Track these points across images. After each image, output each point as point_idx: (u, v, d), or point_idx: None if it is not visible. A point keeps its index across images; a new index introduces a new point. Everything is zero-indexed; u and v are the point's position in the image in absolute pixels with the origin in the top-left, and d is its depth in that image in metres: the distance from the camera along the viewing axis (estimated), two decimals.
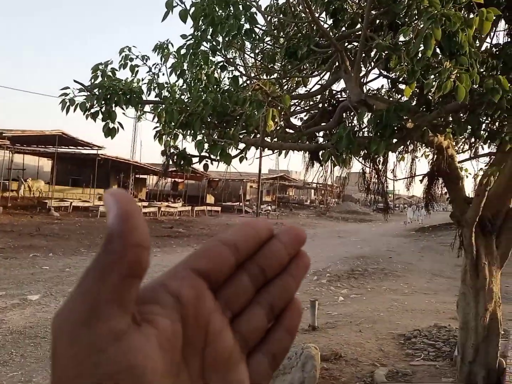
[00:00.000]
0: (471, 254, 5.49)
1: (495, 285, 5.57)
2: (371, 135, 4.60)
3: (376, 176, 6.08)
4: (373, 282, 13.63)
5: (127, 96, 4.67)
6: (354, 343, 7.33)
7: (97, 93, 4.67)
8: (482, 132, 5.24)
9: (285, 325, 0.38)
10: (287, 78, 5.52)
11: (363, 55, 4.84)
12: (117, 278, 0.29)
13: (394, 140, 4.57)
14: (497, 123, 5.38)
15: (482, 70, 4.57)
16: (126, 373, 0.28)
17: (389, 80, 5.94)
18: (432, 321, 8.54)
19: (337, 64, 5.24)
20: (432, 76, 4.09)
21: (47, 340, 7.38)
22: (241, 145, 4.91)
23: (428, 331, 7.86)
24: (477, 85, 4.36)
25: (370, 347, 7.18)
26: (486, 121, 5.14)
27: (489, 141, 5.64)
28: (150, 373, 0.29)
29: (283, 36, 5.40)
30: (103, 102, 4.65)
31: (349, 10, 5.09)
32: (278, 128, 4.95)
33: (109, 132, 4.70)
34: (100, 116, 4.71)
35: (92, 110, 4.71)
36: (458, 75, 4.01)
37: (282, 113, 4.58)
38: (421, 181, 6.40)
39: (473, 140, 6.49)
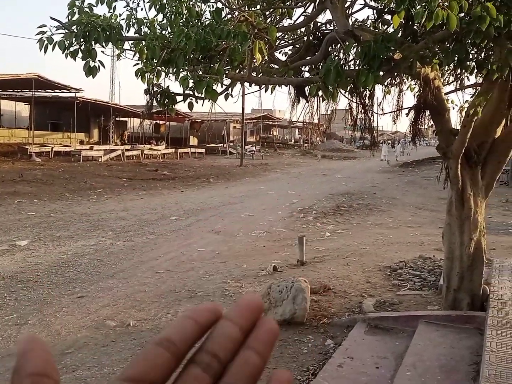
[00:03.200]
0: (457, 185, 5.55)
1: (480, 215, 5.68)
2: (358, 67, 4.52)
3: (363, 110, 6.02)
4: (358, 218, 13.85)
5: (107, 33, 4.49)
6: (342, 276, 7.51)
7: (75, 30, 4.48)
8: (468, 62, 5.18)
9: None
10: (271, 10, 5.33)
11: None
12: None
13: (382, 72, 4.50)
14: (483, 53, 5.32)
15: None
16: None
17: (374, 11, 5.79)
18: (417, 253, 8.76)
19: None
20: (421, 5, 3.99)
21: (39, 283, 7.45)
22: (227, 81, 4.80)
23: (414, 262, 8.07)
24: (464, 13, 4.27)
25: (357, 279, 7.37)
26: (473, 51, 5.07)
27: (475, 71, 5.59)
28: None
29: None
30: (82, 39, 4.47)
31: None
32: (263, 62, 4.83)
33: (90, 71, 4.55)
34: (80, 54, 4.54)
35: (71, 49, 4.53)
36: (447, 3, 3.92)
37: (267, 46, 4.45)
38: (407, 114, 6.36)
39: (458, 71, 6.42)
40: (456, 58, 4.71)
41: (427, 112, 5.99)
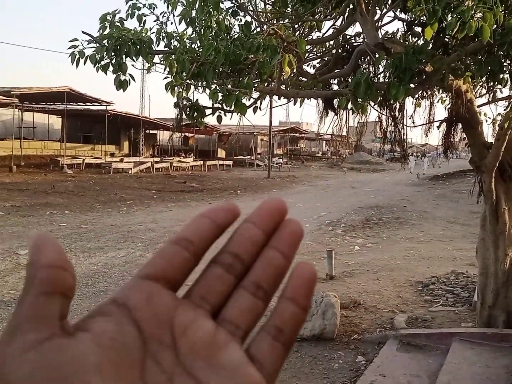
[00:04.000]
0: (491, 200, 5.42)
1: None
2: (389, 80, 4.46)
3: (393, 123, 5.95)
4: (388, 231, 13.64)
5: (137, 47, 4.55)
6: (372, 291, 7.38)
7: (106, 44, 4.55)
8: (502, 74, 5.08)
9: (287, 295, 0.36)
10: (300, 23, 5.33)
11: None
12: (31, 297, 0.31)
13: (413, 85, 4.44)
14: None
15: (502, 8, 4.37)
16: (52, 371, 0.29)
17: (404, 23, 5.74)
18: (449, 268, 8.56)
19: (351, 6, 5.04)
20: (454, 16, 3.92)
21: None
22: (255, 95, 4.80)
23: (446, 278, 7.89)
24: (499, 25, 4.19)
25: (388, 295, 7.23)
26: (506, 63, 4.97)
27: (509, 83, 5.47)
28: (83, 366, 0.30)
29: None
30: (113, 53, 4.54)
31: None
32: (292, 75, 4.81)
33: (121, 84, 4.60)
34: (111, 68, 4.60)
35: (102, 62, 4.60)
36: (482, 14, 3.84)
37: (296, 59, 4.43)
38: (438, 127, 6.26)
39: (491, 83, 6.29)
40: (489, 70, 4.62)
41: (459, 125, 5.88)
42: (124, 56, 4.66)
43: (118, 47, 4.61)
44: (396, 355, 5.25)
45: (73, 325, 0.33)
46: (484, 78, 5.45)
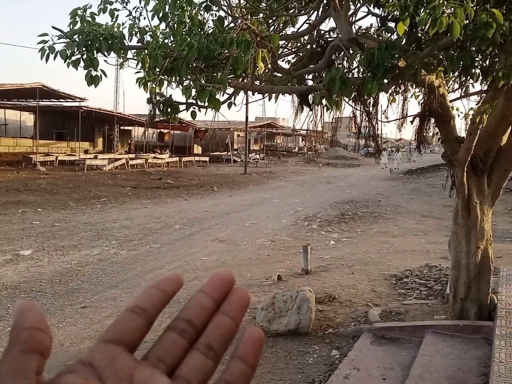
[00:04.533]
0: (463, 194, 5.50)
1: (487, 223, 5.61)
2: (363, 75, 4.48)
3: (367, 118, 5.98)
4: (363, 226, 13.77)
5: (109, 42, 4.47)
6: (347, 285, 7.43)
7: (77, 39, 4.46)
8: (474, 69, 5.14)
9: (237, 355, 0.40)
10: (274, 18, 5.31)
11: None
12: (14, 354, 0.36)
13: (386, 80, 4.46)
14: (489, 60, 5.28)
15: (473, 4, 4.43)
16: None
17: (378, 18, 5.76)
18: (423, 261, 8.68)
19: (325, 1, 5.04)
20: (426, 12, 3.95)
21: (42, 293, 7.41)
22: (230, 90, 4.77)
23: (419, 271, 7.99)
24: (470, 20, 4.24)
25: (363, 288, 7.30)
26: (478, 58, 5.03)
27: (481, 78, 5.54)
28: None
29: None
30: (84, 48, 4.45)
31: None
32: (267, 71, 4.80)
33: (92, 80, 4.52)
34: (82, 63, 4.52)
35: (73, 58, 4.51)
36: (452, 10, 3.88)
37: (270, 54, 4.42)
38: (411, 122, 6.32)
39: (463, 78, 6.38)
40: (461, 65, 4.67)
41: (432, 120, 5.95)
42: (95, 52, 4.58)
43: (89, 42, 4.52)
44: (370, 349, 5.30)
45: (47, 380, 0.37)
46: (456, 73, 5.51)
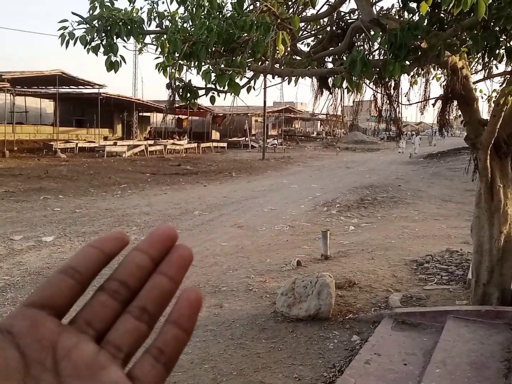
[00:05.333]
0: (486, 177, 5.41)
1: (510, 207, 5.52)
2: (384, 57, 4.40)
3: (388, 101, 5.89)
4: (383, 211, 13.67)
5: (128, 27, 4.46)
6: (367, 270, 7.40)
7: (96, 25, 4.46)
8: (498, 50, 5.02)
9: (170, 318, 0.38)
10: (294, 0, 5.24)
11: None
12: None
13: (408, 62, 4.38)
14: None
15: None
16: None
17: None
18: (444, 246, 8.59)
19: None
20: None
21: None
22: (249, 74, 4.73)
23: (441, 256, 7.92)
24: None
25: (383, 274, 7.26)
26: (503, 38, 4.91)
27: (505, 59, 5.42)
28: None
29: None
30: (103, 34, 4.45)
31: None
32: (286, 54, 4.74)
33: (112, 66, 4.52)
34: (102, 49, 4.52)
35: (93, 44, 4.51)
36: None
37: (290, 37, 4.36)
38: (433, 104, 6.21)
39: (487, 59, 6.24)
40: (485, 45, 4.56)
41: (455, 102, 5.84)
42: (114, 37, 4.57)
43: (109, 28, 4.52)
44: (391, 334, 5.28)
45: None
46: (480, 54, 5.39)
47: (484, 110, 6.85)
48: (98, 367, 0.36)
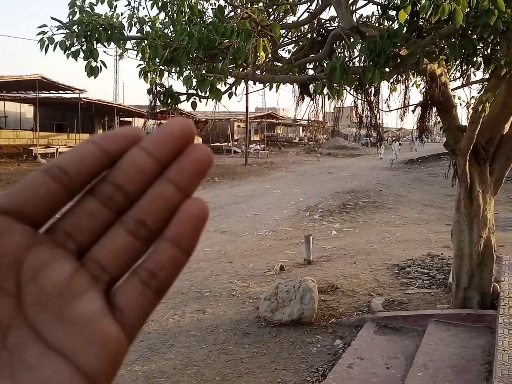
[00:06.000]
0: (465, 183, 5.48)
1: (489, 212, 5.60)
2: (364, 64, 4.45)
3: (368, 108, 5.95)
4: (364, 215, 13.77)
5: (108, 32, 4.44)
6: (349, 274, 7.44)
7: (76, 30, 4.43)
8: (476, 57, 5.11)
9: (167, 235, 0.30)
10: (274, 7, 5.27)
11: None
12: None
13: (388, 69, 4.43)
14: (490, 48, 5.24)
15: None
16: None
17: (379, 6, 5.72)
18: (425, 251, 8.67)
19: None
20: None
21: None
22: (230, 80, 4.74)
23: (422, 260, 7.99)
24: (473, 8, 4.20)
25: (365, 278, 7.30)
26: (480, 46, 5.00)
27: (483, 66, 5.51)
28: None
29: None
30: (83, 39, 4.43)
31: None
32: (267, 60, 4.76)
33: (92, 71, 4.50)
34: (82, 54, 4.49)
35: (73, 49, 4.49)
36: None
37: (271, 43, 4.39)
38: (413, 111, 6.29)
39: (465, 67, 6.34)
40: (463, 53, 4.64)
41: (434, 109, 5.92)
42: (95, 42, 4.56)
43: (89, 33, 4.50)
44: (373, 338, 5.31)
45: None
46: (458, 62, 5.48)
47: (463, 117, 6.96)
48: (72, 295, 0.29)
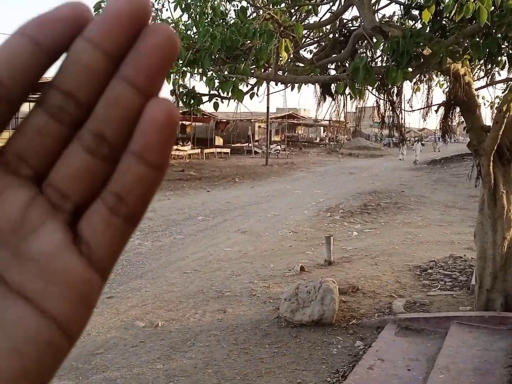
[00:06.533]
0: (489, 183, 5.42)
1: None
2: (387, 64, 4.44)
3: (391, 108, 5.93)
4: (386, 216, 13.66)
5: None
6: (370, 276, 7.40)
7: None
8: (500, 56, 5.05)
9: (131, 149, 0.25)
10: (297, 7, 5.28)
11: None
12: None
13: (411, 69, 4.41)
14: None
15: None
16: None
17: (401, 6, 5.69)
18: (447, 252, 8.59)
19: None
20: None
21: None
22: (252, 80, 4.77)
23: (444, 262, 7.91)
24: (497, 6, 4.16)
25: (386, 280, 7.26)
26: (505, 45, 4.94)
27: (507, 66, 5.44)
28: None
29: None
30: None
31: None
32: (289, 61, 4.78)
33: None
34: None
35: None
36: None
37: (293, 44, 4.41)
38: (436, 111, 6.24)
39: (489, 66, 6.27)
40: (487, 52, 4.59)
41: (457, 109, 5.87)
42: None
43: None
44: (394, 340, 5.28)
45: None
46: (482, 61, 5.42)
47: (487, 117, 6.88)
48: (29, 229, 0.25)
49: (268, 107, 35.48)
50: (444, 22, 4.94)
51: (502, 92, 6.33)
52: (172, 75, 4.90)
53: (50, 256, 0.25)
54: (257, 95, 5.07)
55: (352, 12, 5.66)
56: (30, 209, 0.25)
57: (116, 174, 0.25)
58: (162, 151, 0.25)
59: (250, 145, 43.83)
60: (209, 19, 4.74)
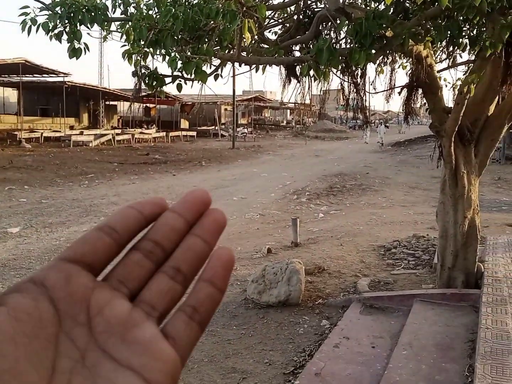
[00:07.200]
0: (450, 164, 5.53)
1: (474, 193, 5.66)
2: (350, 46, 4.44)
3: (355, 90, 5.95)
4: (351, 198, 13.84)
5: (92, 14, 4.37)
6: (336, 256, 7.50)
7: (59, 11, 4.36)
8: (461, 39, 5.12)
9: (203, 277, 0.37)
10: None
11: None
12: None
13: (374, 50, 4.43)
14: (476, 29, 5.25)
15: None
16: None
17: None
18: (410, 232, 8.76)
19: None
20: None
21: (32, 270, 7.39)
22: (216, 62, 4.71)
23: (407, 242, 8.08)
24: None
25: (351, 260, 7.37)
26: (466, 27, 5.01)
27: (468, 48, 5.53)
28: None
29: None
30: (66, 21, 4.36)
31: None
32: (253, 42, 4.73)
33: (74, 53, 4.43)
34: (65, 36, 4.43)
35: (56, 31, 4.41)
36: None
37: (257, 25, 4.36)
38: (399, 93, 6.30)
39: (451, 48, 6.35)
40: (448, 34, 4.64)
41: (420, 91, 5.94)
42: (78, 24, 4.48)
43: (72, 15, 4.42)
44: (359, 318, 5.38)
45: None
46: (444, 43, 5.49)
47: (449, 98, 6.99)
48: (132, 324, 0.35)
49: (234, 90, 35.27)
50: (407, 4, 4.97)
51: (463, 74, 6.44)
52: (133, 56, 4.80)
53: (150, 341, 0.35)
54: (221, 76, 5.02)
55: None
56: (132, 312, 0.35)
57: (192, 292, 0.37)
58: (225, 279, 0.37)
59: (216, 128, 43.56)
60: None
